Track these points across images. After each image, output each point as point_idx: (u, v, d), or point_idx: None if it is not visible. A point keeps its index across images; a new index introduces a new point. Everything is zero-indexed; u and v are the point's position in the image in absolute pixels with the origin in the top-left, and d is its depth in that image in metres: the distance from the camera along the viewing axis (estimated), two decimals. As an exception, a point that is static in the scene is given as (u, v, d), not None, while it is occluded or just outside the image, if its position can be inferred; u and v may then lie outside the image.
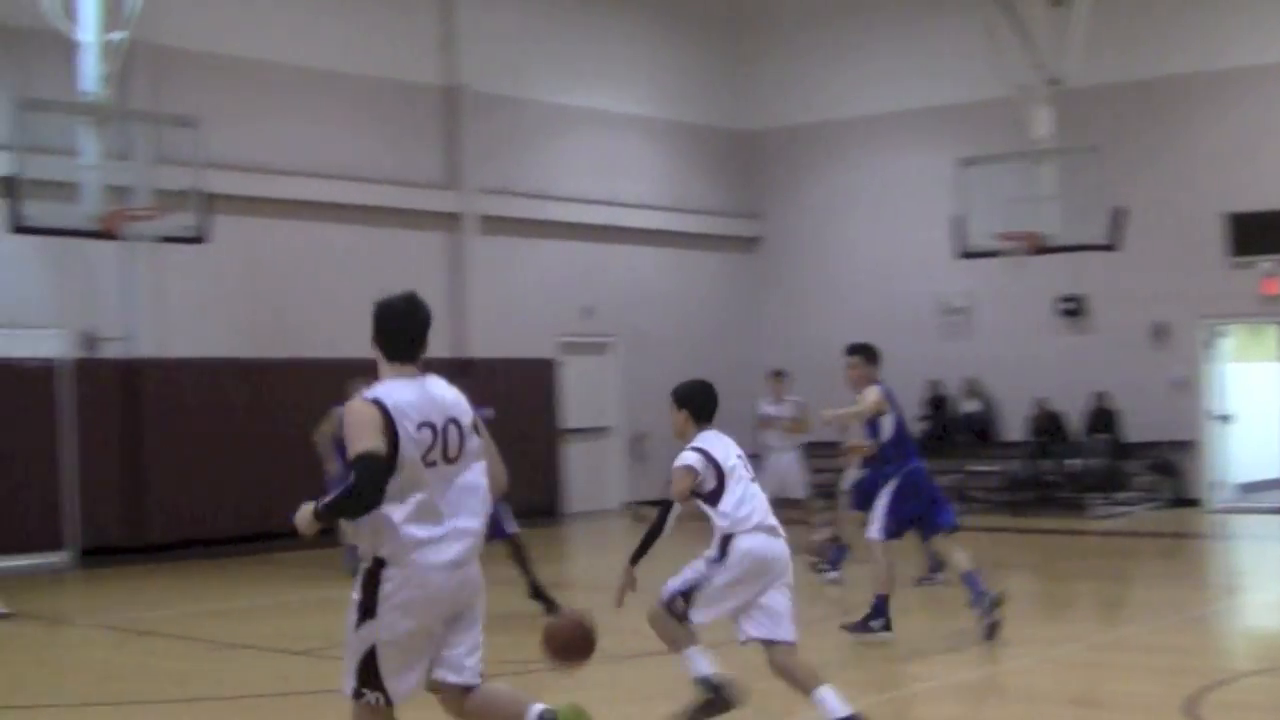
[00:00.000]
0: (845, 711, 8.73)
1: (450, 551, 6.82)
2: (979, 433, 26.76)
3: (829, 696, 8.76)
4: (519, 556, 14.50)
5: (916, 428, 26.56)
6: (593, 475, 26.45)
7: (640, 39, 27.68)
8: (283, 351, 21.76)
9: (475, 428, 7.04)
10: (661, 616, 9.39)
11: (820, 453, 21.14)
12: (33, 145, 17.69)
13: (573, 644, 7.71)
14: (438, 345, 22.01)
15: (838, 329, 27.04)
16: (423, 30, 24.47)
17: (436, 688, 7.00)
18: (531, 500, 24.55)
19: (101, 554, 19.89)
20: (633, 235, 27.13)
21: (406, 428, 6.74)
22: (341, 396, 17.86)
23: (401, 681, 6.84)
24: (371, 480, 6.60)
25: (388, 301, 7.24)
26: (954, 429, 26.82)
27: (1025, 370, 26.10)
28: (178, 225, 18.37)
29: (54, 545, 19.51)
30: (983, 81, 24.12)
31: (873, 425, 13.27)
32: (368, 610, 6.82)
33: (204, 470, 20.95)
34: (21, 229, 17.52)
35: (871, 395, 13.03)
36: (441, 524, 6.81)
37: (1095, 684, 11.26)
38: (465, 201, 24.62)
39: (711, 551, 9.17)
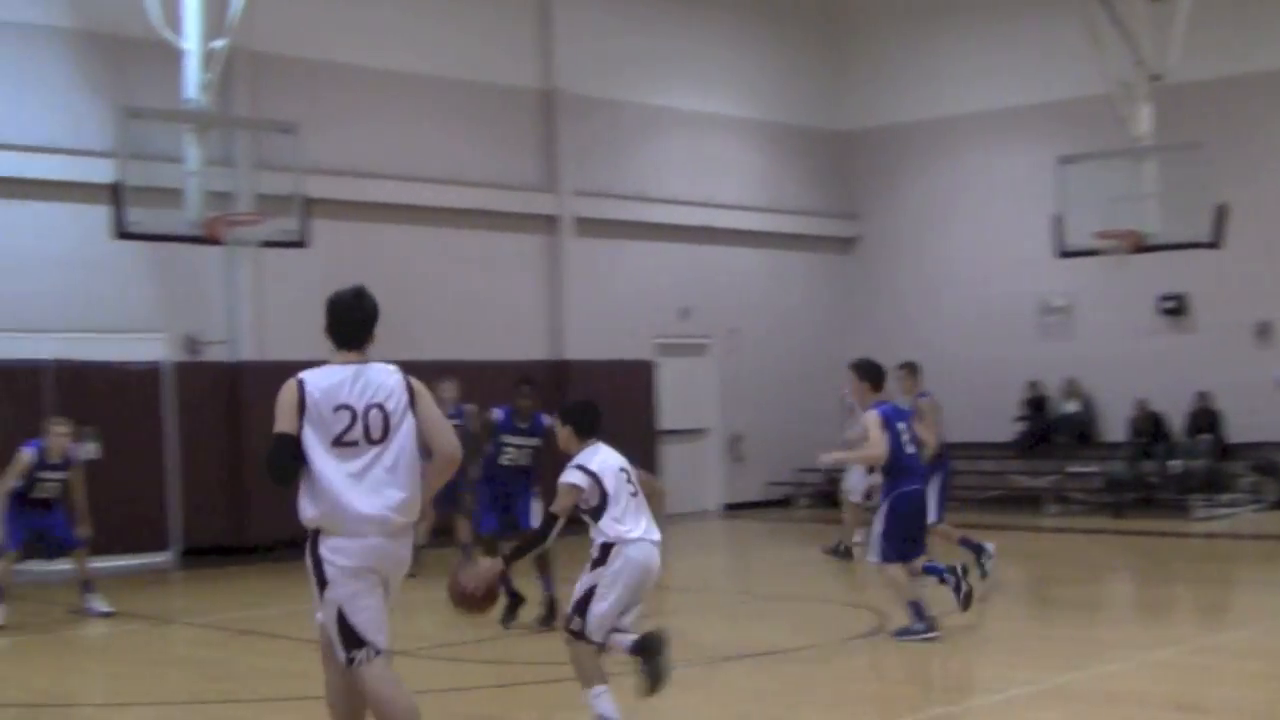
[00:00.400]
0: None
1: (365, 518, 7.45)
2: (1079, 434, 26.48)
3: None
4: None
5: (1014, 428, 26.54)
6: (690, 477, 26.31)
7: (736, 40, 27.59)
8: (382, 354, 21.71)
9: (413, 409, 7.66)
10: (575, 649, 9.46)
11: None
12: (137, 152, 17.65)
13: (475, 596, 8.79)
14: (535, 348, 22.30)
15: (936, 330, 27.14)
16: (520, 34, 24.54)
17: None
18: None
19: (204, 554, 20.12)
20: (729, 236, 27.05)
21: (317, 409, 7.51)
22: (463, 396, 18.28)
23: (380, 631, 7.50)
24: (278, 456, 7.45)
25: (337, 295, 8.01)
26: (1054, 430, 26.57)
27: (1126, 370, 25.79)
28: (278, 230, 18.43)
29: (158, 545, 19.76)
30: (1082, 78, 23.85)
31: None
32: (321, 582, 7.52)
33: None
34: (126, 235, 17.55)
35: (869, 422, 12.98)
36: (349, 493, 7.45)
37: (1197, 688, 11.09)
38: (562, 204, 24.66)
39: (595, 556, 9.40)
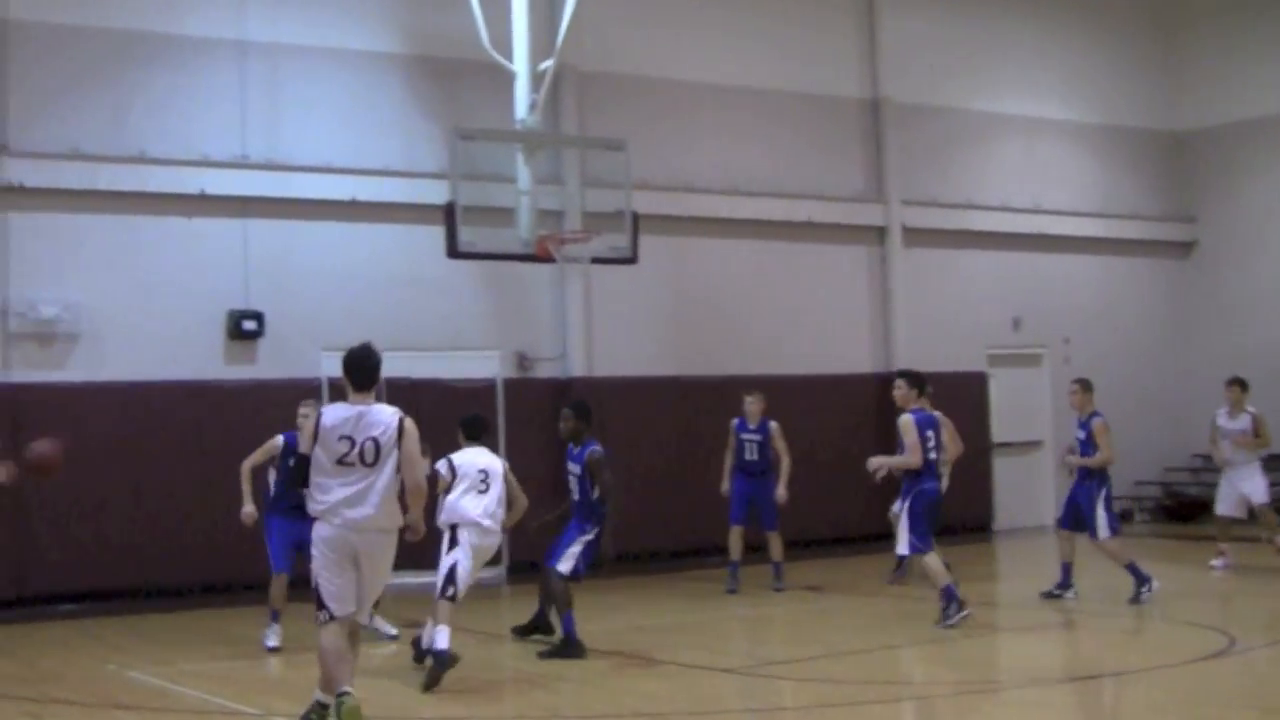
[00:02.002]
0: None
1: (340, 516, 9.81)
2: None
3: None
4: (550, 592, 14.22)
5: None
6: (1023, 490, 25.76)
7: (1064, 41, 26.88)
8: (708, 369, 21.88)
9: (399, 444, 9.89)
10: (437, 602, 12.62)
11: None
12: (469, 173, 18.06)
13: (43, 465, 11.52)
14: (863, 361, 22.02)
15: (1278, 337, 26.00)
16: (844, 44, 24.33)
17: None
18: (962, 516, 24.21)
19: (531, 569, 20.22)
20: (1061, 243, 26.34)
21: (329, 437, 9.86)
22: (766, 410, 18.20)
23: (337, 601, 9.84)
24: (299, 469, 10.02)
25: (351, 351, 10.21)
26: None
27: None
28: (607, 246, 18.58)
29: (491, 561, 19.84)
30: None
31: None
32: (312, 553, 10.00)
33: (633, 487, 21.13)
34: (459, 254, 17.93)
35: (906, 428, 14.65)
36: (342, 503, 9.82)
37: None
38: (889, 214, 24.33)
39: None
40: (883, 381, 23.02)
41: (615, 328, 21.61)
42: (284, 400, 17.90)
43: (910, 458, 14.64)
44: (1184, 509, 26.14)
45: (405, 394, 19.44)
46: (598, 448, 13.86)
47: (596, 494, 13.84)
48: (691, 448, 21.14)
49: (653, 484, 21.29)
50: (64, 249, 18.27)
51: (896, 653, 13.92)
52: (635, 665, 13.41)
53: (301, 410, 14.11)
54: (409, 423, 10.00)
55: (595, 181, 19.62)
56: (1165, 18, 28.25)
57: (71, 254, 18.30)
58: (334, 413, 10.00)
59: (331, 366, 18.66)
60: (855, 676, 12.68)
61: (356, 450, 9.85)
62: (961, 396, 24.22)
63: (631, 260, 19.02)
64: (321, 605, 9.89)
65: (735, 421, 18.38)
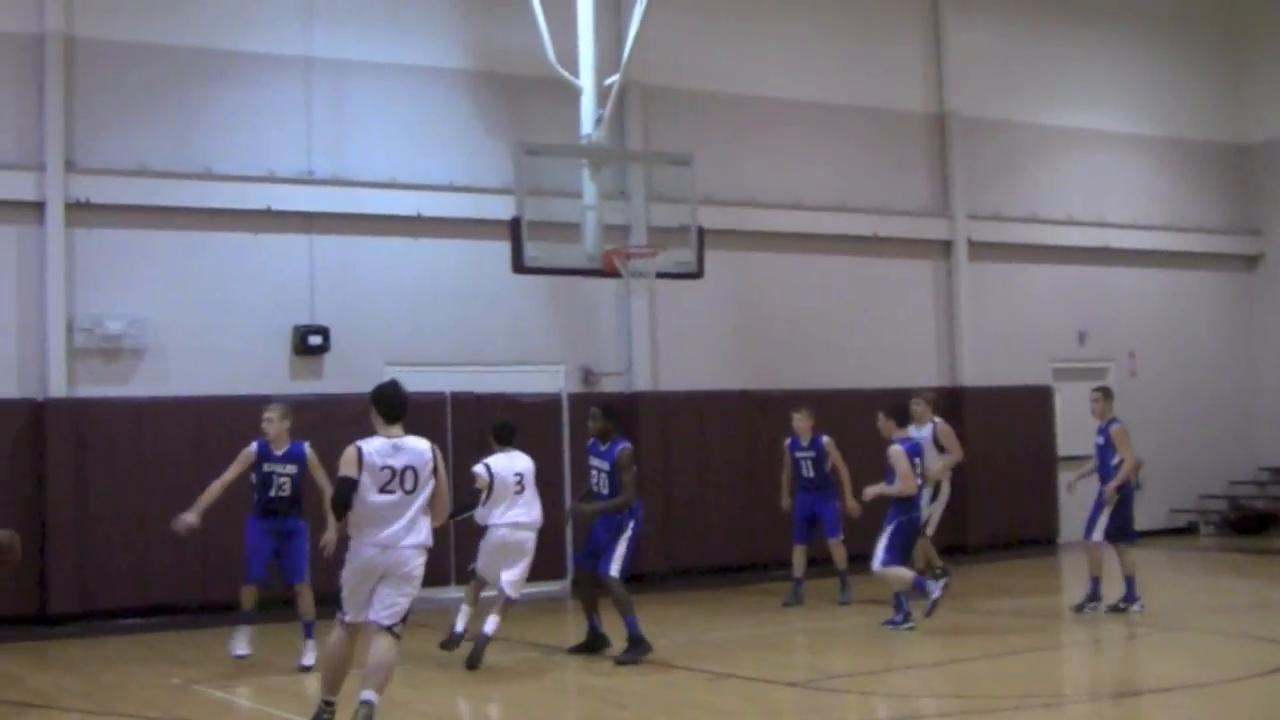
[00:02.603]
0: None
1: (381, 541, 10.45)
2: None
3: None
4: (611, 597, 14.30)
5: None
6: (1088, 504, 24.71)
7: (1129, 54, 26.40)
8: (773, 383, 21.50)
9: (434, 474, 10.62)
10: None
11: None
12: (534, 189, 17.88)
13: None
14: (928, 375, 21.73)
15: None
16: (909, 58, 23.95)
17: (365, 621, 10.56)
18: (1026, 529, 23.81)
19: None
20: (1126, 256, 25.84)
21: (373, 466, 10.46)
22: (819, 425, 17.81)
23: (352, 607, 10.55)
24: (341, 492, 10.46)
25: (379, 387, 10.87)
26: None
27: None
28: (673, 261, 18.38)
29: (555, 575, 19.60)
30: None
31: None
32: (343, 562, 10.67)
33: (697, 500, 20.89)
34: (524, 269, 17.73)
35: (898, 457, 15.38)
36: (378, 524, 10.47)
37: None
38: (955, 228, 23.91)
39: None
40: (949, 395, 22.83)
41: (680, 342, 21.31)
42: (349, 415, 17.80)
43: (905, 485, 15.31)
44: (1249, 522, 25.78)
45: (470, 409, 19.36)
46: (628, 445, 14.35)
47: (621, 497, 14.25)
48: (756, 461, 20.76)
49: (718, 497, 21.04)
50: (129, 265, 18.04)
51: (960, 666, 13.71)
52: (700, 679, 13.21)
53: (266, 415, 14.17)
54: (438, 452, 10.79)
55: (660, 196, 19.48)
56: (1231, 31, 27.73)
57: (137, 270, 18.07)
58: (374, 443, 10.62)
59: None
60: (919, 690, 12.62)
61: (397, 479, 10.53)
62: (1026, 410, 23.89)
63: (697, 275, 18.82)
64: (339, 605, 10.69)
65: (788, 441, 18.15)
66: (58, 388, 17.45)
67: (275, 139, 18.91)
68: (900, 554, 15.47)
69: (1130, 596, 16.29)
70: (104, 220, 17.88)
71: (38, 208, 17.56)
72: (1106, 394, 16.85)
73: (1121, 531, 16.53)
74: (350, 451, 10.50)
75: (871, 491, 15.61)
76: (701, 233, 18.59)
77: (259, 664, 14.12)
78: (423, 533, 10.61)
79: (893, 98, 23.66)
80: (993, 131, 24.52)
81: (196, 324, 18.29)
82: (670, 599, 19.05)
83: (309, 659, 13.77)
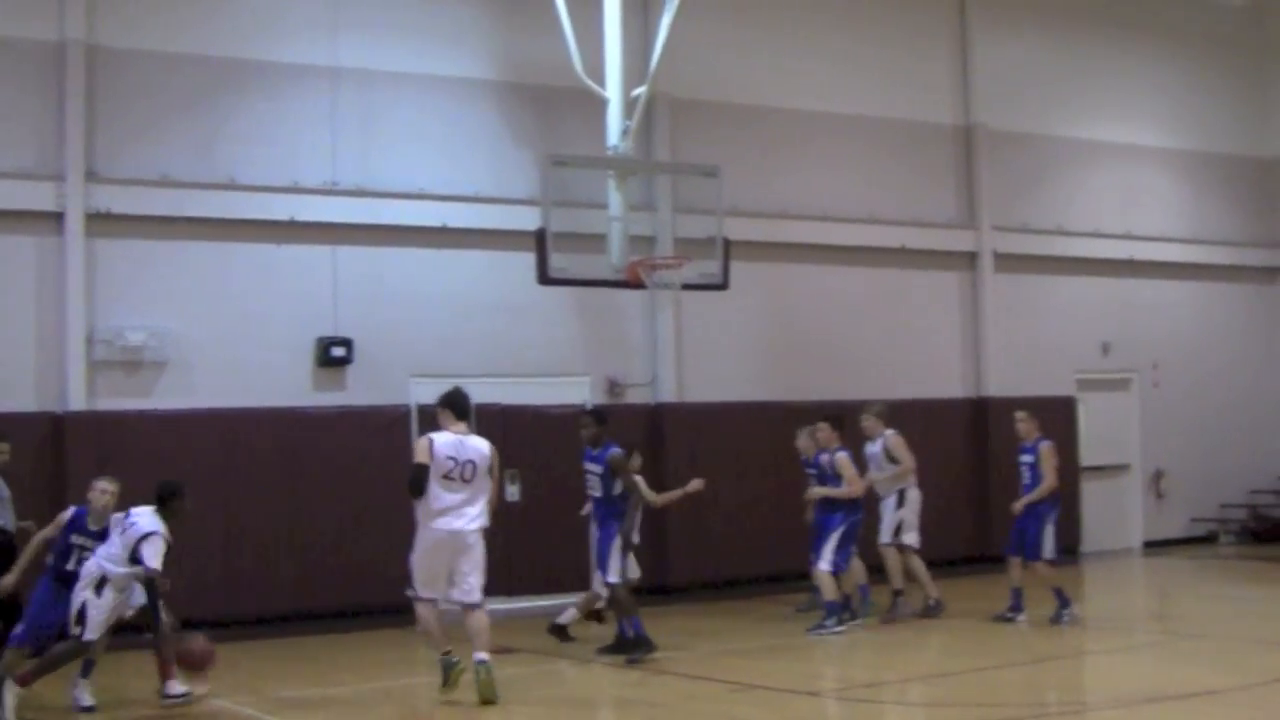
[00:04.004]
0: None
1: (446, 524, 11.84)
2: None
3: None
4: (615, 602, 14.71)
5: None
6: (1111, 514, 24.56)
7: (1155, 68, 25.59)
8: (799, 394, 20.67)
9: (490, 470, 12.02)
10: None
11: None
12: (561, 199, 17.43)
13: (195, 662, 12.18)
14: (954, 386, 21.26)
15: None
16: (937, 70, 23.18)
17: (448, 600, 11.96)
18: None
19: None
20: (1150, 269, 25.04)
21: (439, 456, 11.86)
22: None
23: (425, 586, 11.91)
24: (416, 476, 11.83)
25: (453, 389, 12.45)
26: None
27: None
28: (699, 273, 17.87)
29: (583, 585, 18.79)
30: None
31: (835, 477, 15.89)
32: (414, 545, 11.97)
33: (724, 511, 20.12)
34: (550, 280, 17.23)
35: (843, 463, 15.89)
36: (445, 509, 11.83)
37: None
38: (981, 240, 23.13)
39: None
40: (974, 406, 22.06)
41: (706, 353, 20.58)
42: (373, 427, 17.30)
43: (854, 489, 15.80)
44: (1270, 531, 25.12)
45: (496, 420, 18.51)
46: (619, 449, 14.60)
47: (618, 490, 14.54)
48: (782, 473, 19.80)
49: (743, 509, 20.34)
50: (151, 276, 17.22)
51: (983, 675, 13.42)
52: (724, 689, 13.00)
53: (99, 485, 12.62)
54: (494, 450, 12.21)
55: (687, 208, 19.05)
56: (1256, 44, 26.94)
57: (159, 281, 17.25)
58: (442, 438, 12.03)
59: (421, 393, 18.06)
60: (943, 699, 12.41)
61: (459, 470, 11.85)
62: (1050, 420, 22.73)
63: (723, 286, 18.29)
64: (411, 585, 11.97)
65: (803, 457, 17.28)
66: (77, 401, 16.62)
67: (300, 149, 18.12)
68: (849, 555, 15.88)
69: (1064, 604, 15.99)
70: (125, 231, 17.05)
71: (57, 218, 16.72)
72: (1032, 415, 16.72)
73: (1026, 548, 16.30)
74: (423, 441, 12.07)
75: (818, 492, 16.00)
76: (727, 244, 18.07)
77: (285, 680, 13.76)
78: (479, 518, 12.00)
79: (920, 110, 22.92)
80: (1019, 144, 23.78)
81: (219, 335, 17.49)
82: (697, 610, 18.63)
83: (87, 699, 12.43)
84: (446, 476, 11.82)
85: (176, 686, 12.30)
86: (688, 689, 13.06)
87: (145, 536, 11.98)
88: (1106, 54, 24.96)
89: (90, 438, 16.55)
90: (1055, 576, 16.14)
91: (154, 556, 11.92)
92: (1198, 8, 26.18)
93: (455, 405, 12.20)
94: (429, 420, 15.41)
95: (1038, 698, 12.46)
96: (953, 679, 13.20)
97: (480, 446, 12.02)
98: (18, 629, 12.46)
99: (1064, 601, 15.96)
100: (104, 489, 12.50)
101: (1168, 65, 25.79)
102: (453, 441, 11.92)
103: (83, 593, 11.99)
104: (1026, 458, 16.41)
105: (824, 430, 16.14)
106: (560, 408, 19.20)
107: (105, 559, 12.09)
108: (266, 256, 17.86)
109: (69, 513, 12.65)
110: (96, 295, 16.86)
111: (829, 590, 15.70)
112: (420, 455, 11.89)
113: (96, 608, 11.98)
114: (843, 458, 15.85)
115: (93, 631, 11.96)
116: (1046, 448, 16.27)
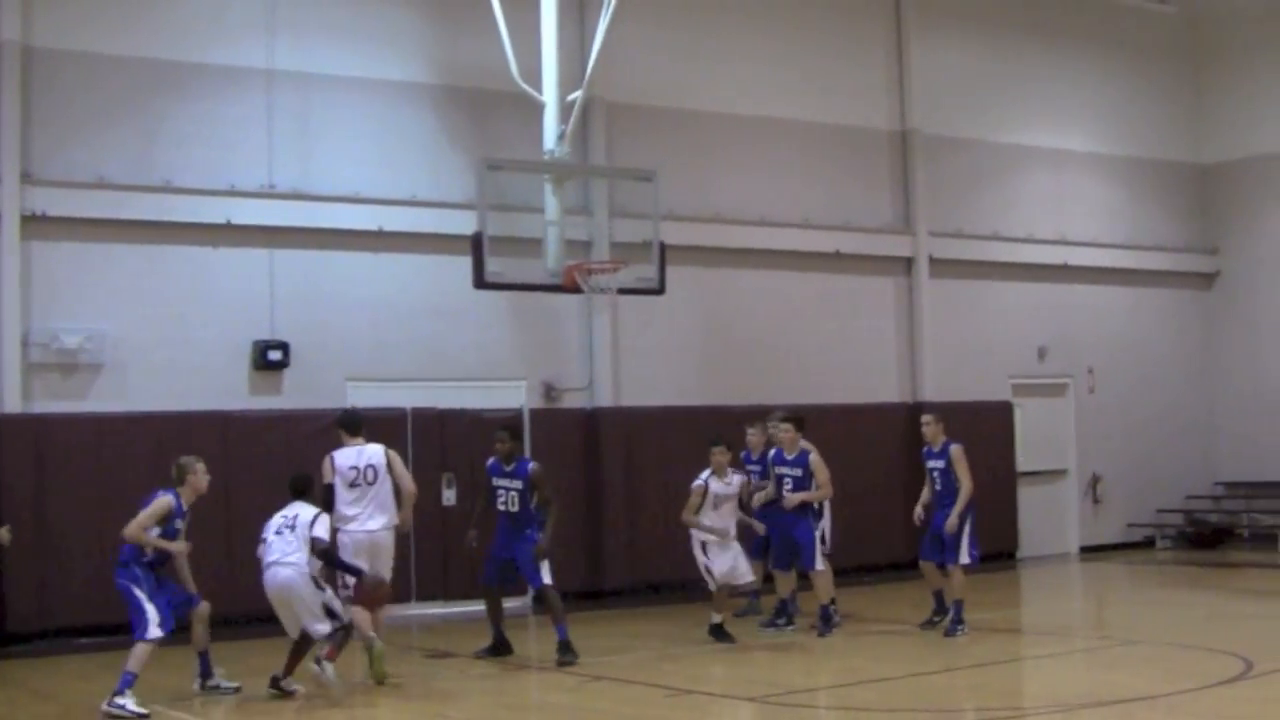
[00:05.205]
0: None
1: (360, 526, 13.48)
2: None
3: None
4: (544, 605, 15.06)
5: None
6: (1048, 519, 24.99)
7: (1090, 74, 26.07)
8: (735, 399, 20.94)
9: (389, 468, 13.63)
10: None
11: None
12: (496, 203, 17.64)
13: (375, 597, 13.23)
14: (890, 391, 21.49)
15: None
16: (873, 76, 23.56)
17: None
18: (987, 544, 23.38)
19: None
20: (1086, 274, 25.53)
21: (342, 468, 13.57)
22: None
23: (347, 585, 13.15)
24: (325, 495, 13.37)
25: (339, 415, 14.52)
26: None
27: None
28: (635, 277, 18.11)
29: (518, 590, 19.12)
30: None
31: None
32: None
33: (660, 516, 20.32)
34: (486, 285, 17.45)
35: (818, 464, 15.95)
36: (356, 514, 13.50)
37: None
38: (917, 245, 23.53)
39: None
40: (910, 410, 22.44)
41: (642, 358, 20.87)
42: (309, 431, 17.46)
43: (826, 491, 16.07)
44: (1205, 536, 25.59)
45: (432, 424, 18.92)
46: (536, 463, 15.00)
47: (535, 503, 14.74)
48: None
49: (678, 512, 20.15)
50: (88, 278, 17.44)
51: (921, 680, 13.49)
52: (660, 694, 12.99)
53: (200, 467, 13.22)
54: (392, 452, 13.86)
55: (623, 212, 19.36)
56: (1191, 52, 27.49)
57: (95, 283, 17.47)
58: (342, 453, 13.70)
59: (358, 397, 18.37)
60: (881, 705, 12.39)
61: (362, 474, 13.57)
62: (987, 426, 23.45)
63: (659, 291, 18.53)
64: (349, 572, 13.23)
65: (742, 454, 17.53)
66: (13, 403, 16.83)
67: (237, 152, 18.34)
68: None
69: (958, 619, 15.82)
70: (61, 233, 17.28)
71: (-8, 220, 16.95)
72: (939, 418, 16.36)
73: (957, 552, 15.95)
74: (327, 460, 13.69)
75: (798, 498, 15.82)
76: (664, 249, 18.32)
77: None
78: (387, 515, 13.62)
79: (857, 115, 23.28)
80: (955, 149, 24.19)
81: (155, 338, 17.71)
82: (634, 615, 18.82)
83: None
84: (353, 485, 13.51)
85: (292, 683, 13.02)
86: (624, 693, 13.18)
87: (314, 520, 12.89)
88: (1042, 61, 25.41)
89: (27, 440, 16.79)
90: (964, 586, 15.88)
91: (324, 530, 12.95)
92: (1131, 15, 26.71)
93: (347, 424, 13.97)
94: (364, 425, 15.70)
95: (977, 703, 12.61)
96: (891, 684, 13.30)
97: (376, 451, 13.70)
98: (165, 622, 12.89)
99: (959, 617, 15.72)
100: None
101: (1102, 72, 26.26)
102: (351, 453, 13.65)
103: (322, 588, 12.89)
104: (936, 463, 16.09)
105: (786, 430, 16.13)
106: (496, 412, 19.45)
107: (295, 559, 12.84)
108: (203, 259, 18.09)
109: (167, 498, 13.00)
110: (32, 298, 17.07)
111: (826, 591, 15.96)
112: (325, 475, 13.52)
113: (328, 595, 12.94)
114: (816, 459, 15.86)
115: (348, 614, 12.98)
116: (958, 450, 15.93)
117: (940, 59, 24.06)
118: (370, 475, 13.60)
